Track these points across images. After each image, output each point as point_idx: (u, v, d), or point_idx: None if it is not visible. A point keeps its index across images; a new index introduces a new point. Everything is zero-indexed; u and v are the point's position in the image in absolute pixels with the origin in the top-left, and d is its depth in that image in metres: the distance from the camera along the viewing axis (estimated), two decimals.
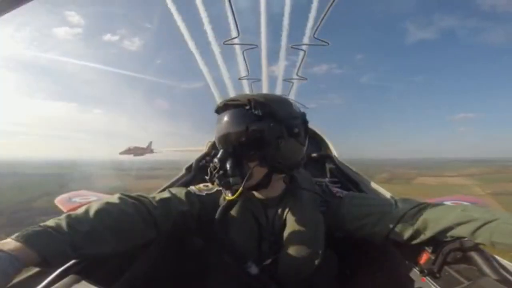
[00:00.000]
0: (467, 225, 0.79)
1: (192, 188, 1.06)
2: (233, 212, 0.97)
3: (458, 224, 0.80)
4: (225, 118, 0.91)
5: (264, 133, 0.88)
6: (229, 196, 0.88)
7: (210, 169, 0.89)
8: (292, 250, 0.93)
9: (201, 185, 1.09)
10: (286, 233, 0.95)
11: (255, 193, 1.01)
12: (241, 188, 0.86)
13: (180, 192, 1.01)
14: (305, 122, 0.96)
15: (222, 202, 1.00)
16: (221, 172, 0.86)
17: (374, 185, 1.85)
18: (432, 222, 0.86)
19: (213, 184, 0.93)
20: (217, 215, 0.93)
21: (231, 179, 0.85)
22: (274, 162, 0.90)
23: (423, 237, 0.88)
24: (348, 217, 0.99)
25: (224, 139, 0.91)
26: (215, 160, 0.88)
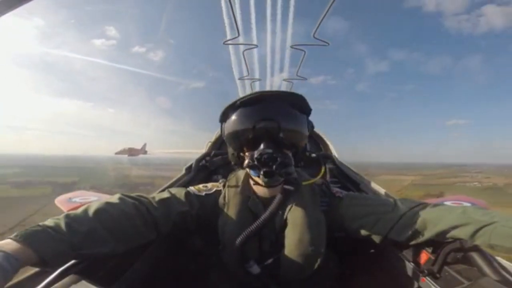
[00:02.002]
0: (466, 227, 0.78)
1: (191, 188, 1.05)
2: (233, 210, 0.97)
3: (457, 226, 0.80)
4: (271, 109, 0.89)
5: (308, 128, 0.96)
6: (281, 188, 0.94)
7: (264, 161, 0.85)
8: (294, 250, 0.92)
9: (200, 186, 1.08)
10: (288, 233, 0.94)
11: (256, 191, 1.01)
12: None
13: (179, 192, 1.00)
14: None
15: (221, 202, 1.00)
16: (270, 164, 0.85)
17: (374, 185, 1.85)
18: (431, 223, 0.85)
19: (276, 173, 0.87)
20: (221, 213, 0.94)
21: (289, 168, 0.88)
22: (303, 156, 0.97)
23: (421, 238, 0.88)
24: (348, 217, 0.98)
25: (270, 129, 0.87)
26: (267, 150, 0.85)
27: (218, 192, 1.04)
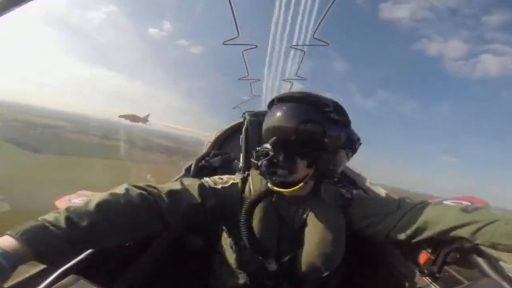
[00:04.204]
0: (468, 226, 0.78)
1: (207, 180, 1.00)
2: (258, 205, 0.95)
3: (459, 225, 0.80)
4: (297, 109, 0.89)
5: (333, 139, 0.90)
6: (271, 186, 0.89)
7: (258, 153, 0.87)
8: (315, 249, 0.91)
9: (216, 177, 1.03)
10: (308, 232, 0.94)
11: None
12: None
13: (193, 184, 0.95)
14: (359, 142, 1.00)
15: (247, 196, 0.98)
16: (272, 159, 0.84)
17: (375, 186, 1.85)
18: (432, 222, 0.85)
19: (258, 169, 0.88)
20: (245, 207, 0.91)
21: (280, 170, 0.85)
22: (325, 168, 0.91)
23: (422, 237, 0.88)
24: (356, 217, 0.99)
25: (286, 129, 0.87)
26: (267, 145, 0.86)
27: (234, 185, 1.01)
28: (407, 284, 1.05)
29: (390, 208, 0.95)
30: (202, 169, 2.14)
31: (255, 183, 1.00)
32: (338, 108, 0.91)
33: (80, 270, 0.80)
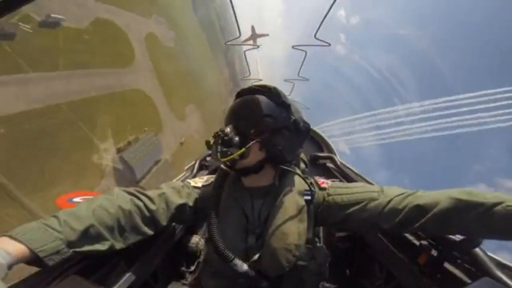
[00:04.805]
0: (468, 210, 0.73)
1: (188, 180, 1.06)
2: (222, 202, 0.96)
3: (451, 210, 0.76)
4: (247, 98, 0.98)
5: (276, 119, 0.93)
6: (222, 166, 0.92)
7: (213, 137, 0.91)
8: (273, 243, 0.88)
9: (196, 178, 1.09)
10: (269, 226, 0.91)
11: (244, 182, 1.00)
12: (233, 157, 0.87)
13: (176, 185, 1.00)
14: (308, 127, 0.99)
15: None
16: (224, 139, 0.87)
17: (371, 182, 1.84)
18: (423, 209, 0.80)
19: (211, 151, 0.93)
20: (211, 200, 0.94)
21: (230, 149, 0.87)
22: (274, 149, 0.92)
23: (413, 225, 0.82)
24: (335, 207, 0.94)
25: (238, 115, 0.95)
26: (224, 128, 0.90)
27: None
28: (407, 284, 1.05)
29: (372, 195, 0.90)
30: (203, 169, 2.15)
31: (228, 182, 1.00)
32: (276, 92, 0.97)
33: (80, 270, 0.81)
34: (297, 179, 0.98)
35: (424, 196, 0.82)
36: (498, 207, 0.69)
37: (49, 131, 10.09)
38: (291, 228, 0.89)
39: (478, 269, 0.81)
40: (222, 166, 0.93)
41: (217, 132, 0.90)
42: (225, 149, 0.87)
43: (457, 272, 0.87)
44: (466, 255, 0.87)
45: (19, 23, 10.16)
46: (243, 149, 0.87)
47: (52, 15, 11.43)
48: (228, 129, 0.89)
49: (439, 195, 0.80)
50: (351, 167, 2.25)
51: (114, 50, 15.26)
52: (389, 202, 0.86)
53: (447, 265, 0.91)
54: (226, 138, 0.87)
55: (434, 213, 0.77)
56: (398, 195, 0.87)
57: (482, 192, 0.76)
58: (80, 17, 13.04)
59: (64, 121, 10.88)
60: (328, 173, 2.33)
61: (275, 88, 0.98)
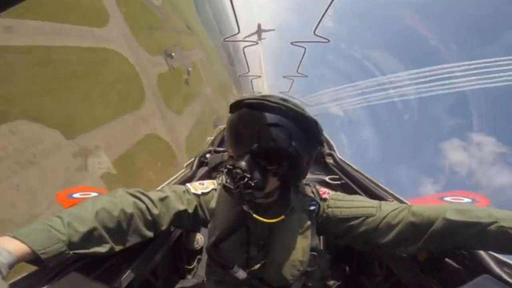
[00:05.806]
0: (457, 230, 0.75)
1: (189, 186, 1.03)
2: (222, 215, 0.94)
3: (446, 231, 0.76)
4: (269, 121, 0.79)
5: (302, 152, 0.83)
6: (247, 209, 0.81)
7: (231, 174, 0.78)
8: (278, 259, 0.91)
9: (197, 184, 1.05)
10: (273, 239, 0.93)
11: None
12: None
13: (179, 190, 0.99)
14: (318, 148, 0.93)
15: (212, 206, 0.98)
16: (248, 183, 0.76)
17: (375, 187, 1.83)
18: (417, 229, 0.81)
19: (237, 191, 0.78)
20: (217, 236, 0.88)
21: (256, 193, 0.79)
22: (291, 178, 0.89)
23: (408, 247, 0.84)
24: (334, 219, 0.95)
25: (255, 143, 0.80)
26: (242, 164, 0.77)
27: (214, 191, 1.02)
28: (407, 284, 1.06)
29: (370, 211, 0.90)
30: (203, 166, 2.15)
31: (221, 191, 0.96)
32: (311, 121, 0.83)
33: (80, 268, 0.81)
34: (299, 195, 0.98)
35: (418, 214, 0.82)
36: (492, 227, 0.71)
37: None
38: (296, 244, 0.90)
39: (478, 266, 0.82)
40: (245, 208, 0.82)
41: (231, 167, 0.79)
42: (248, 191, 0.77)
43: (456, 269, 0.88)
44: (466, 253, 0.87)
45: None
46: (268, 191, 0.83)
47: None
48: (244, 164, 0.77)
49: (433, 214, 0.80)
50: (350, 164, 2.25)
51: None
52: (384, 217, 0.87)
53: (446, 262, 0.91)
54: (248, 181, 0.76)
55: (429, 235, 0.79)
56: (393, 210, 0.87)
57: (474, 209, 0.77)
58: None
59: None
60: (327, 169, 2.34)
61: (304, 115, 0.81)
